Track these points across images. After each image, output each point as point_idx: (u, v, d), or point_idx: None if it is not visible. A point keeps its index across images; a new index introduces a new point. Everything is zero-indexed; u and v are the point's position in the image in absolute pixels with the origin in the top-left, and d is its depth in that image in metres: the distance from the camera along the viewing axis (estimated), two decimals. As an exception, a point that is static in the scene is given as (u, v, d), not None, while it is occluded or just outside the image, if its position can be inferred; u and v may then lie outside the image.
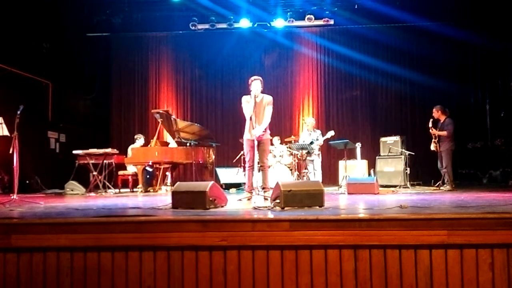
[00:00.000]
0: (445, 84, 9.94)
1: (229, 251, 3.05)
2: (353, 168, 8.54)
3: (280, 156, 8.44)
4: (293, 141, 8.55)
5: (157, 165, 8.23)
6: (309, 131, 8.15)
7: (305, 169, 8.01)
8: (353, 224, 3.01)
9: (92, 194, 7.29)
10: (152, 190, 8.18)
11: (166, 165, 8.41)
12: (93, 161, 7.59)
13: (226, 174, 9.42)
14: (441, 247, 2.95)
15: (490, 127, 9.86)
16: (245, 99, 5.46)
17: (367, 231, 2.98)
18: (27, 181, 8.24)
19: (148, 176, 8.27)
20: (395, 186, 7.83)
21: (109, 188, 7.70)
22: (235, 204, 4.70)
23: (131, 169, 8.33)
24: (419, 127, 9.56)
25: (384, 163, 8.55)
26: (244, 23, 10.51)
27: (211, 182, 4.10)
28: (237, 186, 8.66)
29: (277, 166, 8.26)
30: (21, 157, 5.43)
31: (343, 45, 10.97)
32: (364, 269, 2.98)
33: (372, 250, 2.98)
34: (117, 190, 7.97)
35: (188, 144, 7.98)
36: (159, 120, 8.14)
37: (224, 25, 10.61)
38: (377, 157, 8.78)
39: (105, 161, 7.58)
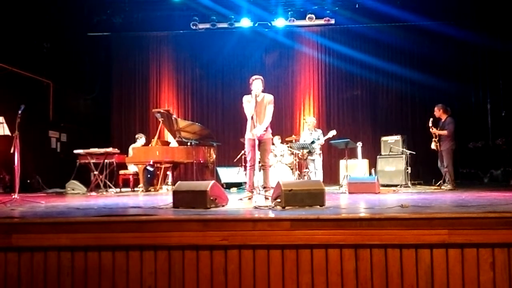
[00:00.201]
0: (446, 83, 9.93)
1: (230, 250, 3.05)
2: (354, 168, 8.54)
3: (281, 155, 8.44)
4: (294, 141, 8.55)
5: (158, 165, 8.23)
6: (310, 131, 8.14)
7: (306, 168, 8.01)
8: (354, 224, 3.01)
9: (93, 193, 7.30)
10: (153, 190, 8.19)
11: (167, 165, 8.42)
12: (94, 161, 7.59)
13: (227, 174, 9.43)
14: (442, 246, 2.95)
15: (491, 127, 9.86)
16: (246, 99, 5.46)
17: (368, 231, 2.98)
18: (28, 181, 8.25)
19: (149, 176, 8.27)
20: (396, 186, 7.83)
21: (110, 187, 7.70)
22: (236, 204, 4.70)
23: (132, 168, 8.34)
24: (420, 127, 9.55)
25: (385, 162, 8.55)
26: (245, 23, 10.51)
27: (212, 182, 4.10)
28: (238, 185, 8.66)
29: (278, 165, 8.25)
30: (22, 156, 5.44)
31: (344, 45, 10.97)
32: (365, 269, 2.98)
33: (373, 249, 2.98)
34: (118, 190, 7.98)
35: (189, 144, 7.98)
36: (160, 119, 8.15)
37: (225, 25, 10.61)
38: (378, 157, 8.78)
39: (106, 161, 7.58)
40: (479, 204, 3.91)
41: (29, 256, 3.13)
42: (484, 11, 9.72)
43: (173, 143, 8.54)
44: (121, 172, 8.39)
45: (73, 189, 7.61)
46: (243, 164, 8.32)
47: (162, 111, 8.25)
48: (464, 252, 2.94)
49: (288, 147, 8.49)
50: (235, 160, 9.02)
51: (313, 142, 7.85)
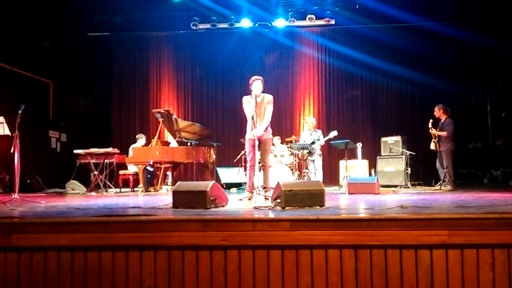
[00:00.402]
0: (446, 84, 9.93)
1: (229, 250, 3.05)
2: (354, 168, 8.54)
3: (281, 156, 8.44)
4: (294, 141, 8.55)
5: (158, 165, 8.24)
6: (310, 131, 8.15)
7: (305, 169, 8.02)
8: (353, 224, 3.01)
9: (93, 193, 7.30)
10: (153, 190, 8.19)
11: (167, 165, 8.42)
12: (94, 161, 7.59)
13: (227, 174, 9.43)
14: (441, 247, 2.95)
15: (491, 127, 9.85)
16: (245, 99, 5.46)
17: (368, 231, 2.98)
18: (28, 181, 8.25)
19: (149, 176, 8.27)
20: (395, 186, 7.83)
21: (110, 187, 7.70)
22: (236, 204, 4.70)
23: (132, 168, 8.34)
24: (420, 127, 9.55)
25: (385, 163, 8.55)
26: (245, 23, 10.51)
27: (212, 182, 4.09)
28: (238, 185, 8.66)
29: (278, 166, 8.26)
30: (22, 156, 5.44)
31: (344, 45, 10.98)
32: (364, 269, 2.98)
33: (373, 250, 2.98)
34: (118, 190, 7.98)
35: (189, 144, 7.98)
36: (160, 119, 8.15)
37: (225, 25, 10.61)
38: (378, 157, 8.78)
39: (106, 161, 7.58)
40: (479, 205, 3.91)
41: (29, 256, 3.13)
42: (484, 12, 9.71)
43: (173, 143, 8.54)
44: (121, 172, 8.39)
45: (73, 189, 7.61)
46: (243, 164, 8.32)
47: (162, 111, 8.25)
48: (464, 252, 2.94)
49: (288, 147, 8.49)
50: (235, 161, 9.02)
51: (313, 143, 7.85)
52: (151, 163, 7.91)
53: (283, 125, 11.00)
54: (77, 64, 10.53)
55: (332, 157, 10.28)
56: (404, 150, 8.25)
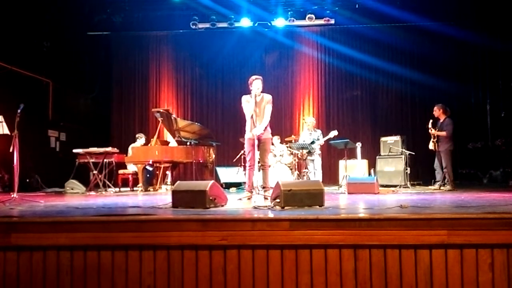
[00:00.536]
0: (446, 84, 9.93)
1: (229, 250, 3.04)
2: (353, 168, 8.54)
3: (280, 155, 8.44)
4: (293, 141, 8.55)
5: (158, 164, 8.23)
6: (309, 131, 8.14)
7: (305, 168, 8.01)
8: (353, 224, 3.01)
9: (92, 193, 7.29)
10: (152, 189, 8.18)
11: (167, 164, 8.41)
12: (93, 160, 7.58)
13: (226, 173, 9.43)
14: (441, 247, 2.95)
15: (491, 127, 9.85)
16: (245, 99, 5.46)
17: (367, 231, 2.98)
18: (27, 180, 8.24)
19: (148, 175, 8.27)
20: (395, 186, 7.83)
21: (109, 187, 7.69)
22: (235, 204, 4.70)
23: (131, 168, 8.34)
24: (420, 127, 9.56)
25: (385, 162, 8.55)
26: (245, 23, 10.51)
27: (211, 181, 4.09)
28: (237, 185, 8.66)
29: (277, 165, 8.26)
30: (21, 155, 5.43)
31: (344, 45, 10.97)
32: (364, 269, 2.98)
33: (372, 249, 2.98)
34: (117, 189, 7.97)
35: (188, 143, 7.98)
36: (160, 119, 8.15)
37: (224, 24, 10.61)
38: (377, 157, 8.78)
39: (105, 160, 7.57)
40: (478, 205, 3.92)
41: (28, 255, 3.13)
42: (484, 12, 9.71)
43: (173, 142, 8.54)
44: (120, 171, 8.38)
45: (72, 189, 7.61)
46: (243, 164, 8.32)
47: (161, 110, 8.25)
48: (463, 252, 2.94)
49: (287, 147, 8.49)
50: (234, 160, 9.02)
51: (312, 142, 7.85)
52: (150, 162, 7.91)
53: (283, 124, 11.00)
54: (77, 64, 10.52)
55: (331, 157, 10.29)
56: (404, 150, 8.25)
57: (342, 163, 8.14)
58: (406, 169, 8.01)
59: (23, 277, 3.13)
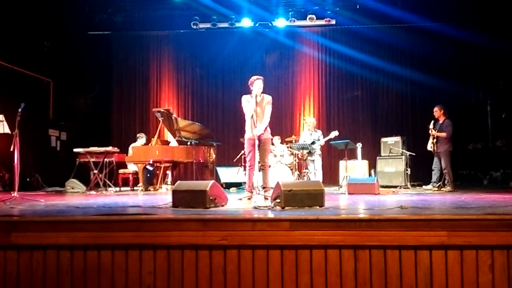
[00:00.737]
0: (446, 84, 9.93)
1: (229, 250, 3.05)
2: (353, 168, 8.54)
3: (280, 155, 8.44)
4: (293, 141, 8.55)
5: (158, 164, 8.23)
6: (310, 131, 8.15)
7: (305, 169, 8.02)
8: (353, 224, 3.01)
9: (93, 192, 7.29)
10: (152, 189, 8.19)
11: (167, 164, 8.41)
12: (93, 159, 7.58)
13: (227, 173, 9.43)
14: (441, 248, 2.95)
15: (491, 128, 9.84)
16: (245, 99, 5.47)
17: (367, 232, 2.98)
18: (28, 179, 8.25)
19: (148, 175, 8.28)
20: (395, 187, 7.84)
21: (109, 186, 7.70)
22: (236, 204, 4.70)
23: (131, 167, 8.34)
24: (420, 128, 9.55)
25: (385, 163, 8.55)
26: (246, 23, 10.50)
27: (212, 181, 4.10)
28: (238, 185, 8.66)
29: (277, 165, 8.26)
30: (22, 154, 5.44)
31: (345, 45, 10.96)
32: (364, 269, 2.98)
33: (372, 250, 2.98)
34: (117, 189, 7.98)
35: (188, 143, 7.98)
36: (160, 119, 8.15)
37: (225, 25, 10.60)
38: (377, 158, 8.78)
39: (105, 160, 7.57)
40: (479, 206, 3.92)
41: (28, 254, 3.13)
42: (484, 12, 9.71)
43: (173, 142, 8.55)
44: (121, 171, 8.39)
45: (72, 188, 7.61)
46: (243, 164, 8.32)
47: (162, 110, 8.25)
48: (463, 253, 2.94)
49: (288, 147, 8.50)
50: (234, 160, 9.02)
51: (313, 143, 7.85)
52: (151, 162, 7.91)
53: (283, 125, 11.00)
54: (77, 63, 10.52)
55: (332, 157, 10.28)
56: (404, 150, 8.25)
57: (342, 163, 8.14)
58: (407, 170, 8.02)
59: (23, 276, 3.13)
